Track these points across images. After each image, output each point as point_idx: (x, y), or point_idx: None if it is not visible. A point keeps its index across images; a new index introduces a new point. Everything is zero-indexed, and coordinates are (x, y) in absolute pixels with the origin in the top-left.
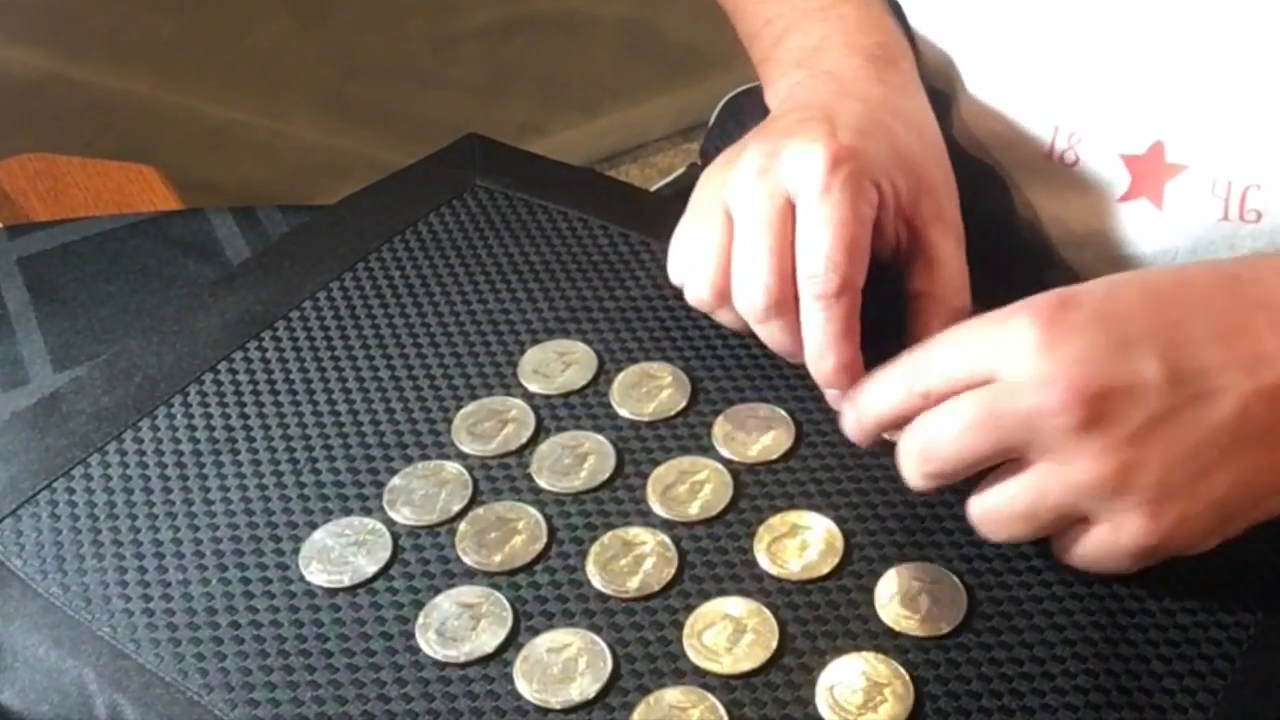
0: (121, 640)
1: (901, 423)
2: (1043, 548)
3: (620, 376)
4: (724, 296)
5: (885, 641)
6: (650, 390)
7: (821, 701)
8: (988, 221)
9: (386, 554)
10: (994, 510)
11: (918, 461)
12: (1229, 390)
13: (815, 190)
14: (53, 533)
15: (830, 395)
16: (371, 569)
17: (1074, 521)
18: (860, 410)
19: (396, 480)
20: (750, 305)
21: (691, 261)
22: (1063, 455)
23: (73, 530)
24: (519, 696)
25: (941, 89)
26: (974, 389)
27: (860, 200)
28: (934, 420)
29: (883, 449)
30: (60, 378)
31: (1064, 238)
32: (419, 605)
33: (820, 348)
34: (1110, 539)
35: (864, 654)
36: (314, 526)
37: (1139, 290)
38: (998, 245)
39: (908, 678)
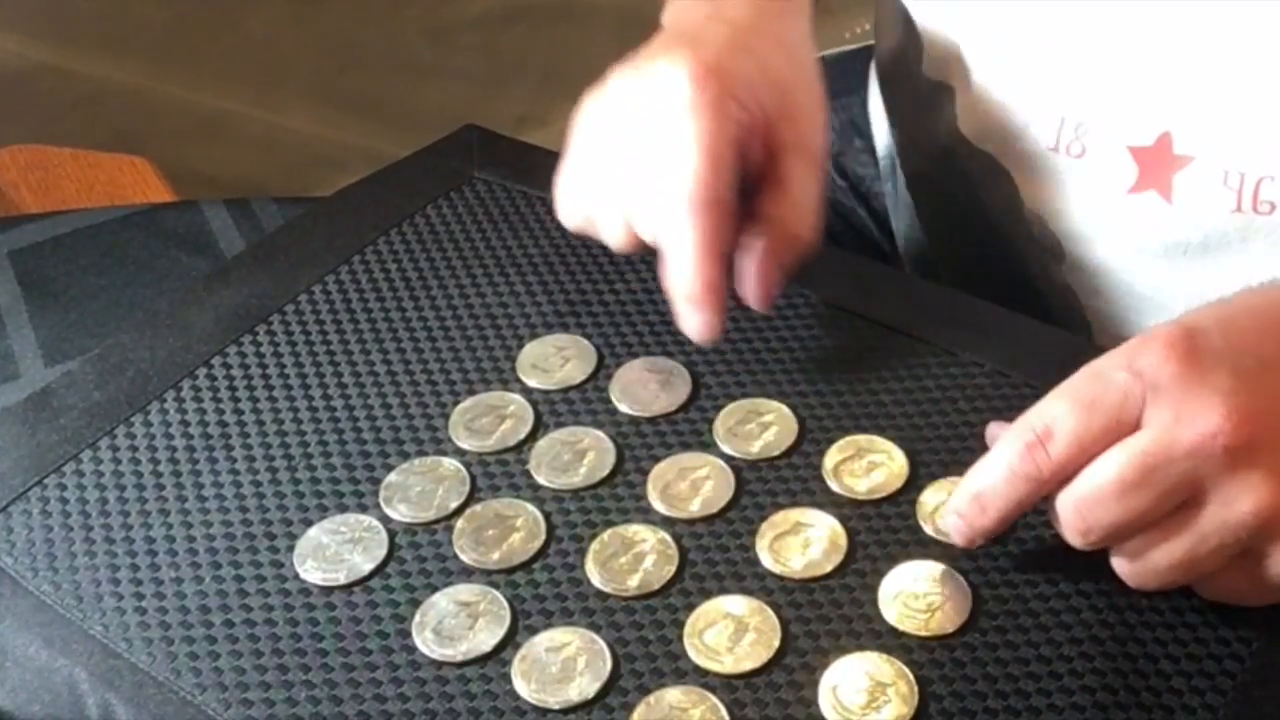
0: (114, 639)
1: (1027, 510)
2: (1049, 544)
3: (620, 371)
4: (633, 236)
5: (889, 641)
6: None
7: (824, 702)
8: (995, 216)
9: (383, 551)
10: (1149, 566)
11: (1077, 534)
12: None
13: (681, 110)
14: (44, 530)
15: (691, 324)
16: (367, 567)
17: (1232, 561)
18: (978, 503)
19: (393, 477)
20: (652, 236)
21: (588, 204)
22: (1223, 495)
23: (64, 527)
24: (517, 696)
25: (947, 81)
26: (1119, 443)
27: (725, 118)
28: (1086, 487)
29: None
30: (51, 372)
31: (1072, 231)
32: (415, 604)
33: (683, 263)
34: (1275, 572)
35: (867, 654)
36: (309, 523)
37: (1250, 316)
38: (1006, 239)
39: (912, 678)
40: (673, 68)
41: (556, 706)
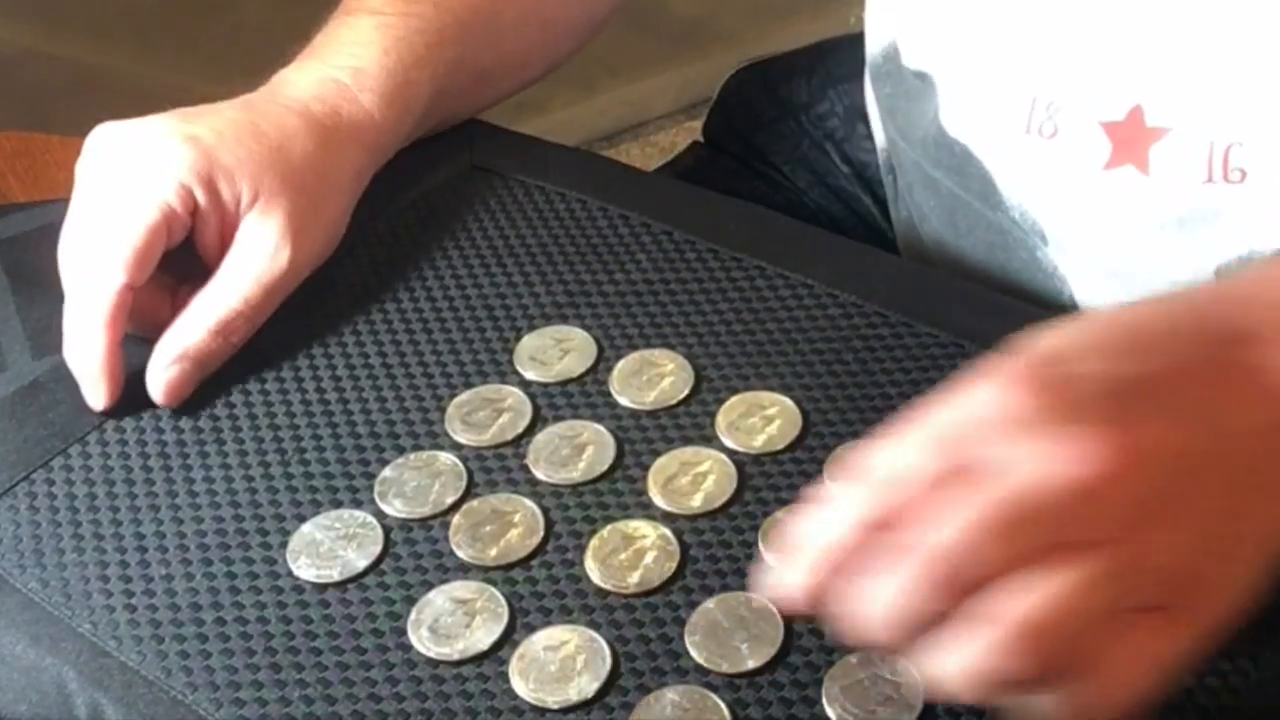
0: (103, 637)
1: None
2: None
3: (620, 364)
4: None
5: None
6: (651, 378)
7: (828, 701)
8: (980, 204)
9: (377, 548)
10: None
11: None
12: (1247, 431)
13: (126, 197)
14: (31, 526)
15: (86, 394)
16: (362, 563)
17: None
18: (810, 550)
19: (388, 471)
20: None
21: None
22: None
23: (52, 523)
24: (515, 696)
25: (926, 72)
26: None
27: (155, 218)
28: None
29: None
30: (40, 365)
31: (1053, 212)
32: (411, 601)
33: (77, 339)
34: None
35: (871, 652)
36: (302, 519)
37: (1107, 330)
38: (995, 226)
39: (917, 676)
40: (147, 155)
41: (555, 706)
